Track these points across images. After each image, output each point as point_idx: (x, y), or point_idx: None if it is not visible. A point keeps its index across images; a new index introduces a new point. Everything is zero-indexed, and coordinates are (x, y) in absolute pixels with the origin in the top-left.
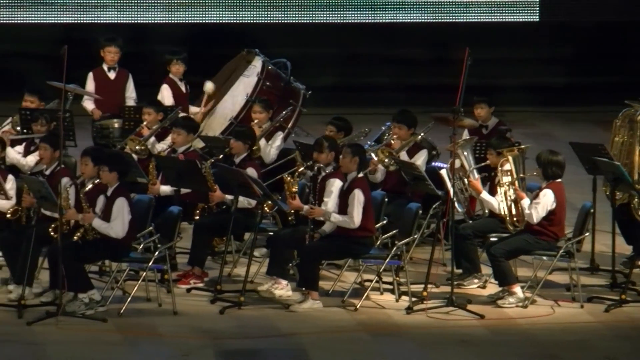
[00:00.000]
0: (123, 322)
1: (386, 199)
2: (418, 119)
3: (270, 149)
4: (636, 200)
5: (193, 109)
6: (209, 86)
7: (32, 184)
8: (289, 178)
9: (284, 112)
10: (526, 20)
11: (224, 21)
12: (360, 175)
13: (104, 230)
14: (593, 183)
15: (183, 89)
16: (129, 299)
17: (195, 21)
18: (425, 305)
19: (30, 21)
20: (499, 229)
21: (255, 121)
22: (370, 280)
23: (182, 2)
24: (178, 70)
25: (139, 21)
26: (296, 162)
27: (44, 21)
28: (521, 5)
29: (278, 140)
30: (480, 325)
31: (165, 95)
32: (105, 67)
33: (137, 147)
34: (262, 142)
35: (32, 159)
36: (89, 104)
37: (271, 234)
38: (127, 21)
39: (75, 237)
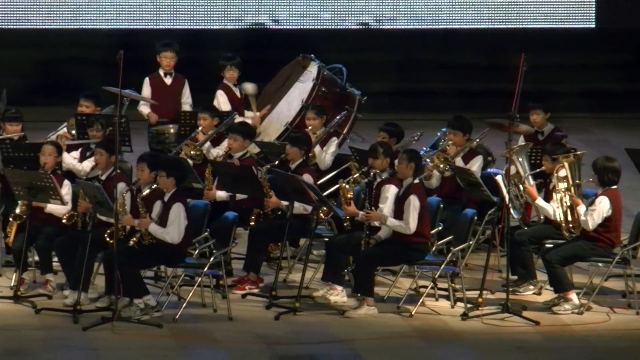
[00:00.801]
0: (178, 328)
1: (442, 205)
2: (473, 125)
3: (325, 155)
4: None
5: (248, 114)
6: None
7: (88, 190)
8: (344, 184)
9: (337, 118)
10: (583, 26)
11: (280, 27)
12: (416, 181)
13: (160, 235)
14: None
15: (238, 94)
16: (185, 305)
17: (252, 27)
18: (481, 312)
19: (87, 27)
20: (555, 236)
21: (309, 128)
22: (426, 287)
23: (238, 8)
24: (232, 76)
25: (195, 27)
26: (351, 169)
27: (101, 27)
28: (578, 12)
29: (333, 146)
30: (536, 332)
31: (221, 101)
32: (161, 72)
33: (192, 152)
34: (317, 148)
35: (87, 164)
36: (144, 109)
37: (327, 239)
38: (184, 27)
39: (131, 243)
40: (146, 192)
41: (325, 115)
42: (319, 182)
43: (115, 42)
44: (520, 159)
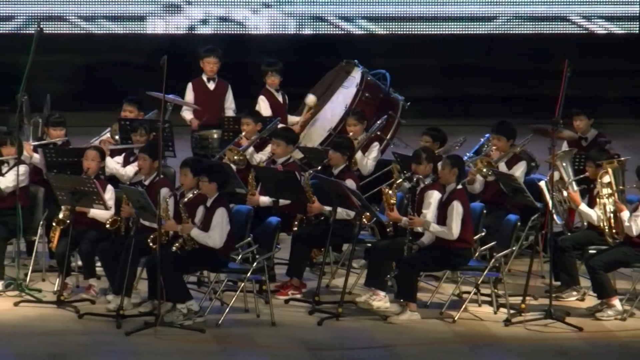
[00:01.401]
0: (221, 333)
1: (485, 211)
2: (517, 131)
3: (367, 160)
4: None
5: (292, 119)
6: (311, 99)
7: (131, 194)
8: (387, 189)
9: (378, 122)
10: (626, 32)
11: (323, 32)
12: (459, 186)
13: (202, 240)
14: None
15: (280, 99)
16: (227, 310)
17: (295, 32)
18: (524, 318)
19: (130, 32)
20: (598, 242)
21: (350, 134)
22: (469, 292)
23: (280, 13)
24: (274, 82)
25: (238, 32)
26: (393, 173)
27: (145, 32)
28: (621, 18)
29: (374, 151)
30: (579, 338)
31: (263, 107)
32: (204, 77)
33: (235, 157)
34: (359, 154)
35: (131, 169)
36: (187, 114)
37: (369, 245)
38: (227, 32)
39: (174, 248)
40: (189, 197)
41: (367, 121)
42: (361, 183)
43: (159, 47)
44: (565, 165)
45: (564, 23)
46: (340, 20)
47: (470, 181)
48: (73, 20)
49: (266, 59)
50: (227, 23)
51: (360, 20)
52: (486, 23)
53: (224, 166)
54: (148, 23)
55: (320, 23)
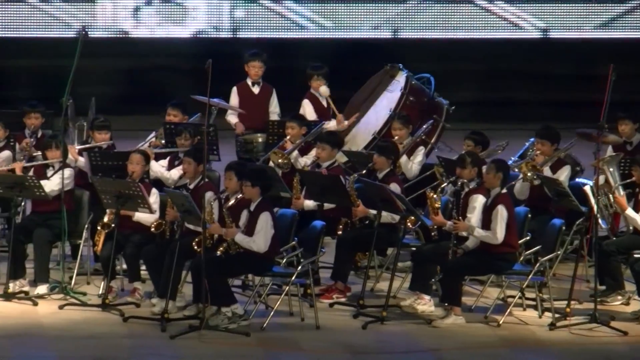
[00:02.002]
0: (266, 337)
1: (529, 215)
2: (561, 135)
3: (412, 164)
4: None
5: (327, 125)
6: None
7: (176, 198)
8: (432, 193)
9: (424, 127)
10: None
11: (367, 36)
12: (504, 191)
13: (247, 244)
14: None
15: (324, 103)
16: (272, 313)
17: (339, 36)
18: (568, 322)
19: (175, 35)
20: None
21: (396, 138)
22: (513, 296)
23: (325, 18)
24: (319, 86)
25: (283, 36)
26: (437, 177)
27: (190, 35)
28: None
29: (420, 155)
30: (623, 342)
31: (307, 111)
32: (249, 81)
33: (279, 161)
34: (404, 158)
35: (175, 172)
36: (232, 118)
37: (414, 249)
38: (271, 36)
39: (219, 252)
40: (233, 201)
41: (412, 125)
42: (405, 186)
43: (203, 51)
44: (611, 169)
45: (609, 27)
46: (384, 25)
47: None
48: (119, 24)
49: (312, 63)
50: (272, 27)
51: (404, 25)
52: (530, 27)
53: (268, 170)
54: (193, 27)
55: (365, 27)
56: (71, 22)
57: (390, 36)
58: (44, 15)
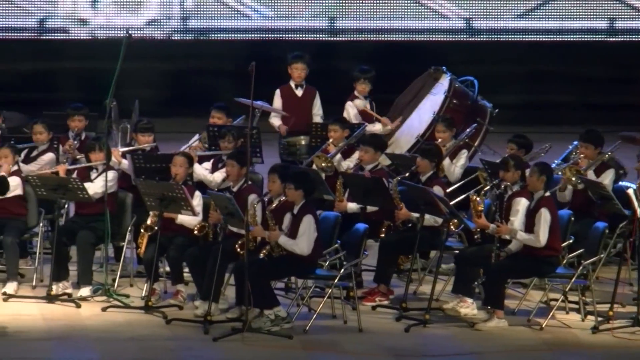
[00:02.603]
0: (308, 339)
1: (573, 218)
2: (605, 138)
3: (455, 167)
4: None
5: (371, 128)
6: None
7: (219, 201)
8: (475, 197)
9: (467, 130)
10: None
11: (411, 39)
12: (547, 194)
13: (290, 247)
14: None
15: (368, 106)
16: (315, 316)
17: (382, 39)
18: (611, 325)
19: (218, 37)
20: None
21: (439, 140)
22: (556, 299)
23: (368, 21)
24: (364, 89)
25: (326, 38)
26: (480, 181)
27: (233, 37)
28: None
29: (462, 158)
30: None
31: (351, 113)
32: (292, 84)
33: (323, 164)
34: (446, 161)
35: (219, 175)
36: (275, 121)
37: (457, 252)
38: (314, 38)
39: (262, 254)
40: (276, 204)
41: (455, 127)
42: (448, 190)
43: (247, 54)
44: None
45: None
46: (429, 27)
47: (562, 188)
48: (162, 26)
49: (360, 66)
50: (315, 29)
51: (448, 27)
52: (573, 30)
53: (311, 173)
54: (237, 29)
55: (408, 29)
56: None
57: (434, 39)
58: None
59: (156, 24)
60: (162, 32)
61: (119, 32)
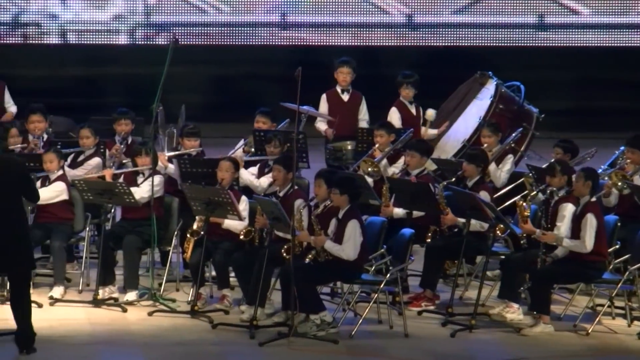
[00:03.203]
0: (354, 344)
1: (619, 223)
2: None
3: (501, 173)
4: None
5: (426, 131)
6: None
7: (265, 205)
8: (521, 202)
9: (513, 135)
10: None
11: (457, 44)
12: (593, 199)
13: (336, 252)
14: None
15: (413, 111)
16: (360, 321)
17: (428, 44)
18: None
19: (265, 43)
20: None
21: (485, 145)
22: (602, 305)
23: (413, 26)
24: (408, 94)
25: (371, 44)
26: (526, 187)
27: (279, 43)
28: None
29: (508, 164)
30: None
31: (394, 118)
32: (338, 89)
33: (370, 169)
34: (492, 166)
35: (265, 180)
36: (322, 125)
37: (503, 257)
38: (360, 44)
39: (308, 259)
40: (322, 209)
41: (501, 132)
42: (495, 196)
43: (293, 59)
44: None
45: None
46: (474, 32)
47: (606, 194)
48: (210, 31)
49: (402, 71)
50: (360, 34)
51: (494, 32)
52: (620, 36)
53: (356, 178)
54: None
55: (453, 35)
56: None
57: (480, 44)
58: None
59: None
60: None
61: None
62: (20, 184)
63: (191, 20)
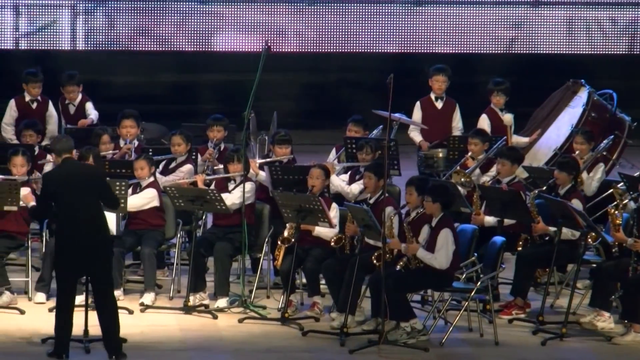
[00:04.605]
0: (444, 352)
1: None
2: None
3: (592, 181)
4: None
5: (519, 140)
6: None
7: (356, 213)
8: (613, 210)
9: (604, 143)
10: None
11: (550, 52)
12: None
13: (428, 261)
14: None
15: (503, 119)
16: (451, 329)
17: (522, 52)
18: None
19: (358, 50)
20: None
21: (577, 152)
22: None
23: (506, 34)
24: (498, 102)
25: (466, 51)
26: (614, 194)
27: (373, 50)
28: None
29: (599, 172)
30: None
31: (484, 125)
32: (432, 96)
33: (462, 179)
34: (584, 174)
35: (356, 187)
36: (416, 135)
37: (594, 265)
38: (455, 51)
39: (398, 266)
40: (413, 216)
41: (594, 141)
42: (588, 205)
43: (386, 66)
44: None
45: None
46: (566, 40)
47: None
48: (304, 40)
49: (494, 78)
50: (455, 42)
51: (586, 40)
52: None
53: (449, 186)
54: (377, 41)
55: (548, 43)
56: (254, 37)
57: (573, 52)
58: None
59: (297, 37)
60: (300, 44)
61: None
62: (101, 191)
63: (283, 28)
